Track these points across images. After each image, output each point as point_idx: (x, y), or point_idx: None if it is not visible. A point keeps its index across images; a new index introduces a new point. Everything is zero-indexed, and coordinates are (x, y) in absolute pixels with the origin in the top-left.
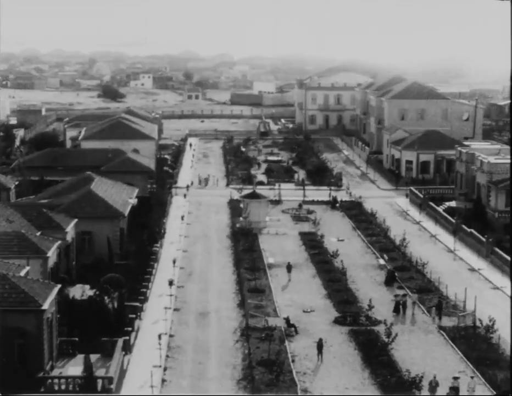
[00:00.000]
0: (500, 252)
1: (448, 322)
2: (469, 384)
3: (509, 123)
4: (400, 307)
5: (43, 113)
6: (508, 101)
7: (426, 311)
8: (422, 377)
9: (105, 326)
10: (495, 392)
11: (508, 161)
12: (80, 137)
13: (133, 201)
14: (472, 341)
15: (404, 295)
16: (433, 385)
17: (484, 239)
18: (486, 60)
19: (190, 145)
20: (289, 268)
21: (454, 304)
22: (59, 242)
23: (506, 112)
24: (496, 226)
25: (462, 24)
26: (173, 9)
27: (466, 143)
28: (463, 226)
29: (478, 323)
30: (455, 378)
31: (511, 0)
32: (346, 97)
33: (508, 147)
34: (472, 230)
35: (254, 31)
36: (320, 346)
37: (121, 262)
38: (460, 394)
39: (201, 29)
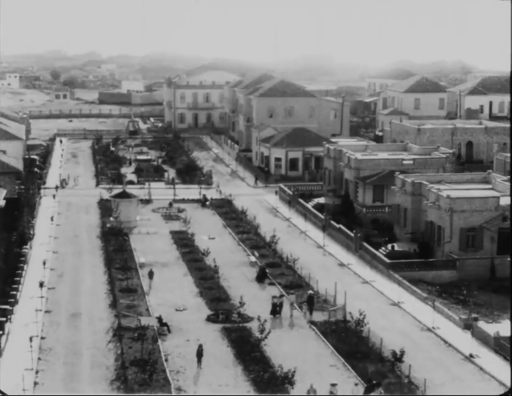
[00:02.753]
0: (368, 246)
1: (319, 316)
2: (352, 391)
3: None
4: (277, 308)
5: None
6: (374, 98)
7: (297, 307)
8: (294, 371)
9: None
10: (366, 385)
11: (375, 157)
12: None
13: (1, 202)
14: (343, 335)
15: (281, 296)
16: (311, 395)
17: (352, 234)
18: (352, 57)
19: (61, 141)
20: (150, 274)
21: (325, 299)
22: None
23: (372, 109)
24: (364, 222)
25: (328, 21)
26: (39, 8)
27: (333, 140)
28: (332, 222)
29: (348, 317)
30: (333, 385)
31: (511, 0)
32: (215, 95)
33: (374, 143)
34: (341, 226)
35: (121, 29)
36: (199, 353)
37: None
38: None
39: (68, 28)
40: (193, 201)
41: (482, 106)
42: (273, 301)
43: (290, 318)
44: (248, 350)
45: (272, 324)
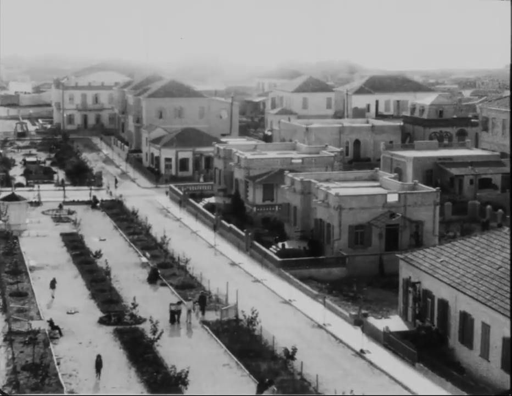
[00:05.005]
0: (259, 245)
1: (211, 316)
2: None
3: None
4: (176, 316)
5: None
6: (263, 98)
7: (195, 313)
8: (187, 372)
9: None
10: (259, 383)
11: (264, 156)
12: None
13: None
14: (235, 334)
15: (179, 303)
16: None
17: (243, 233)
18: (240, 57)
19: None
20: (52, 284)
21: (217, 299)
22: None
23: (260, 109)
24: (255, 221)
25: (216, 20)
26: None
27: (223, 139)
28: (223, 221)
29: (240, 316)
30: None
31: (511, 0)
32: (104, 96)
33: (263, 142)
34: (232, 225)
35: (8, 29)
36: (98, 363)
37: None
38: None
39: None
40: (83, 202)
41: (368, 105)
42: (171, 309)
43: (188, 324)
44: (140, 351)
45: (165, 325)
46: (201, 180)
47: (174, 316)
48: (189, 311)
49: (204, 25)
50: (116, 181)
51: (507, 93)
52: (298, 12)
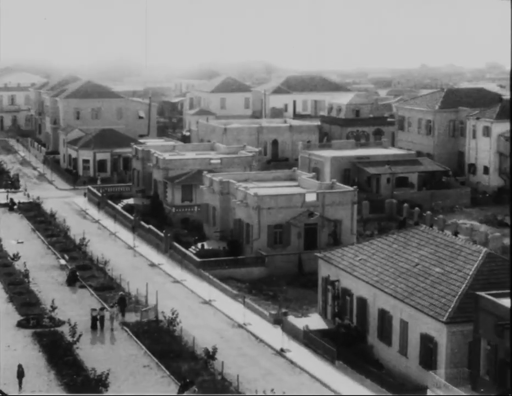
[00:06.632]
0: (178, 246)
1: (131, 317)
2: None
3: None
4: (98, 322)
5: None
6: (181, 98)
7: (108, 309)
8: (108, 374)
9: None
10: (180, 384)
11: (183, 157)
12: None
13: None
14: (156, 335)
15: (102, 309)
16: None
17: (162, 234)
18: (157, 57)
19: None
20: None
21: (137, 300)
22: None
23: (179, 109)
24: (174, 221)
25: (133, 20)
26: None
27: (141, 140)
28: (142, 222)
29: (160, 317)
30: None
31: (511, 0)
32: (20, 97)
33: (182, 143)
34: (151, 226)
35: None
36: (20, 373)
37: None
38: None
39: None
40: (0, 205)
41: (286, 105)
42: (92, 314)
43: (111, 332)
44: (60, 354)
45: (85, 328)
46: (99, 182)
47: (96, 322)
48: (111, 317)
49: (121, 26)
50: (16, 180)
51: (423, 92)
52: (215, 13)
